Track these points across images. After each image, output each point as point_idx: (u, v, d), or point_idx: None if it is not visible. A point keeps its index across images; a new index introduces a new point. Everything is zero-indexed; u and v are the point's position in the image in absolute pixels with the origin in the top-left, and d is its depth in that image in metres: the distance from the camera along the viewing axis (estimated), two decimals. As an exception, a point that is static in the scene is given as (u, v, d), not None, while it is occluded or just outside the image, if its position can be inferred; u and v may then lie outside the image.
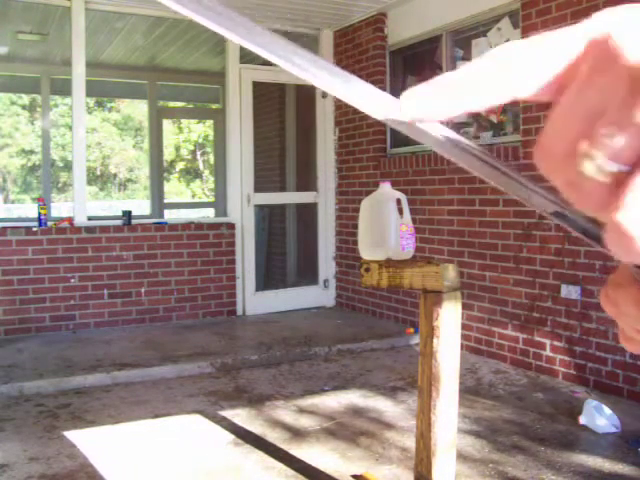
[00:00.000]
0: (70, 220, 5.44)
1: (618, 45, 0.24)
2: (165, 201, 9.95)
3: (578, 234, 0.30)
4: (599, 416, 3.28)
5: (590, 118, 0.25)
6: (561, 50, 0.26)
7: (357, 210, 2.72)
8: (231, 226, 5.97)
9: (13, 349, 4.76)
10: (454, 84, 0.27)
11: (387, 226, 2.34)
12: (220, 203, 7.99)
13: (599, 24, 0.25)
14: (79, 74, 5.42)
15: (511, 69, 0.27)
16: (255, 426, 3.41)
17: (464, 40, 5.07)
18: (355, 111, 6.10)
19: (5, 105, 17.83)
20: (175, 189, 20.13)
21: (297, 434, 3.30)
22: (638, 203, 0.23)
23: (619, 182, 0.25)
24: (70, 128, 5.73)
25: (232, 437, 3.27)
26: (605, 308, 0.29)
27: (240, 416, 3.54)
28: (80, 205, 5.49)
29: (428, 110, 0.27)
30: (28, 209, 15.04)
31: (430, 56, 5.42)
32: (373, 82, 5.55)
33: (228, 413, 3.59)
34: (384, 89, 4.86)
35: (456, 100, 0.27)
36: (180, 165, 20.65)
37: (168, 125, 17.70)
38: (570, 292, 4.04)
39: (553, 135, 0.26)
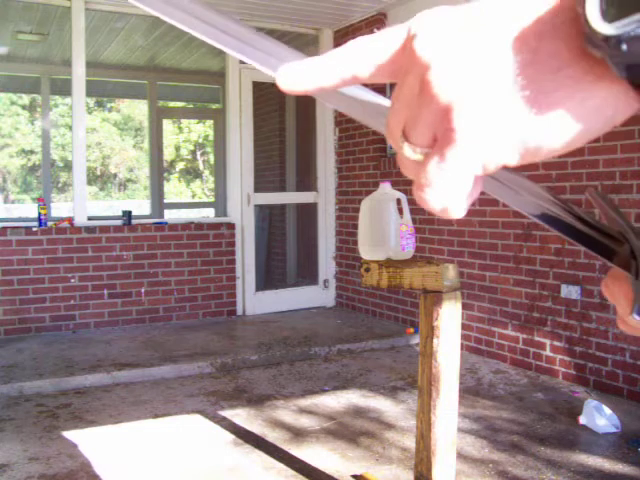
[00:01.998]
0: (70, 220, 5.44)
1: (415, 45, 0.30)
2: (165, 201, 9.95)
3: (565, 237, 0.35)
4: (599, 416, 3.28)
5: (405, 108, 0.31)
6: (387, 43, 0.32)
7: (357, 210, 2.72)
8: (231, 226, 5.97)
9: (13, 349, 4.76)
10: (316, 64, 0.34)
11: (387, 226, 2.34)
12: (220, 203, 7.99)
13: (414, 23, 0.31)
14: (79, 74, 5.42)
15: (352, 55, 0.33)
16: (255, 426, 3.41)
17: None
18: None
19: (5, 105, 17.83)
20: (175, 189, 20.13)
21: (297, 434, 3.30)
22: (428, 183, 0.31)
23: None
24: (70, 128, 5.73)
25: (232, 437, 3.27)
26: (605, 295, 0.35)
27: (240, 416, 3.55)
28: (80, 205, 5.49)
29: (297, 83, 0.34)
30: (28, 209, 15.04)
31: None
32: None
33: (228, 413, 3.59)
34: (384, 89, 4.84)
35: (317, 77, 0.34)
36: (180, 165, 20.65)
37: (168, 125, 17.70)
38: (570, 292, 4.04)
39: (389, 119, 0.32)
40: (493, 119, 0.28)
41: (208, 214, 11.53)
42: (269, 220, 8.16)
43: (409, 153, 0.31)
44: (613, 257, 0.35)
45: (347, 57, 0.33)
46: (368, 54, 0.32)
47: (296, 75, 0.34)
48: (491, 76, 0.28)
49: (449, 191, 0.30)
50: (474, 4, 0.29)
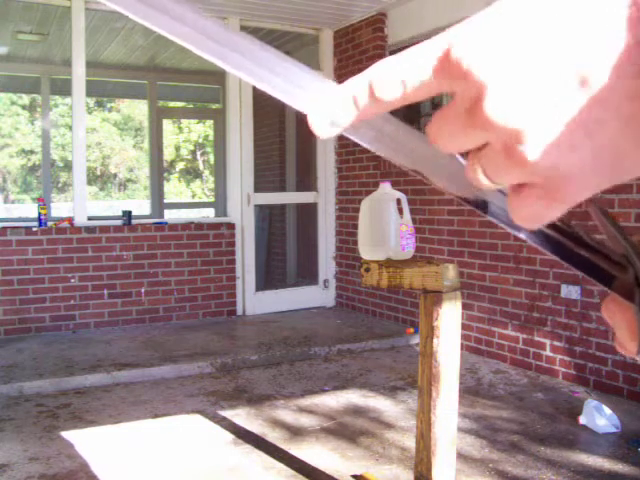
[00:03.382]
0: (70, 220, 5.44)
1: (488, 109, 0.27)
2: (165, 201, 9.95)
3: (558, 258, 0.33)
4: (599, 416, 3.28)
5: (472, 143, 0.29)
6: (420, 64, 0.30)
7: (357, 210, 2.72)
8: (231, 226, 5.97)
9: (13, 349, 4.76)
10: (336, 101, 0.31)
11: (387, 226, 2.34)
12: (220, 203, 7.99)
13: (463, 52, 0.28)
14: (79, 74, 5.42)
15: (378, 84, 0.30)
16: (255, 426, 3.41)
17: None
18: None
19: (5, 105, 17.83)
20: (175, 189, 20.13)
21: (297, 434, 3.30)
22: (516, 214, 0.30)
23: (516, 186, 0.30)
24: (70, 128, 5.73)
25: (232, 437, 3.27)
26: (604, 316, 0.34)
27: (240, 416, 3.54)
28: (80, 205, 5.49)
29: (329, 125, 0.31)
30: (28, 209, 15.04)
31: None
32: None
33: (228, 413, 3.59)
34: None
35: (343, 114, 0.31)
36: (180, 165, 20.64)
37: (168, 125, 17.69)
38: (570, 292, 4.04)
39: (440, 137, 0.30)
40: (595, 175, 0.28)
41: (208, 214, 11.53)
42: (269, 220, 8.16)
43: (484, 180, 0.30)
44: (612, 282, 0.32)
45: (383, 88, 0.30)
46: (396, 81, 0.30)
47: (328, 120, 0.32)
48: (591, 139, 0.27)
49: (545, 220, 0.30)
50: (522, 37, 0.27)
